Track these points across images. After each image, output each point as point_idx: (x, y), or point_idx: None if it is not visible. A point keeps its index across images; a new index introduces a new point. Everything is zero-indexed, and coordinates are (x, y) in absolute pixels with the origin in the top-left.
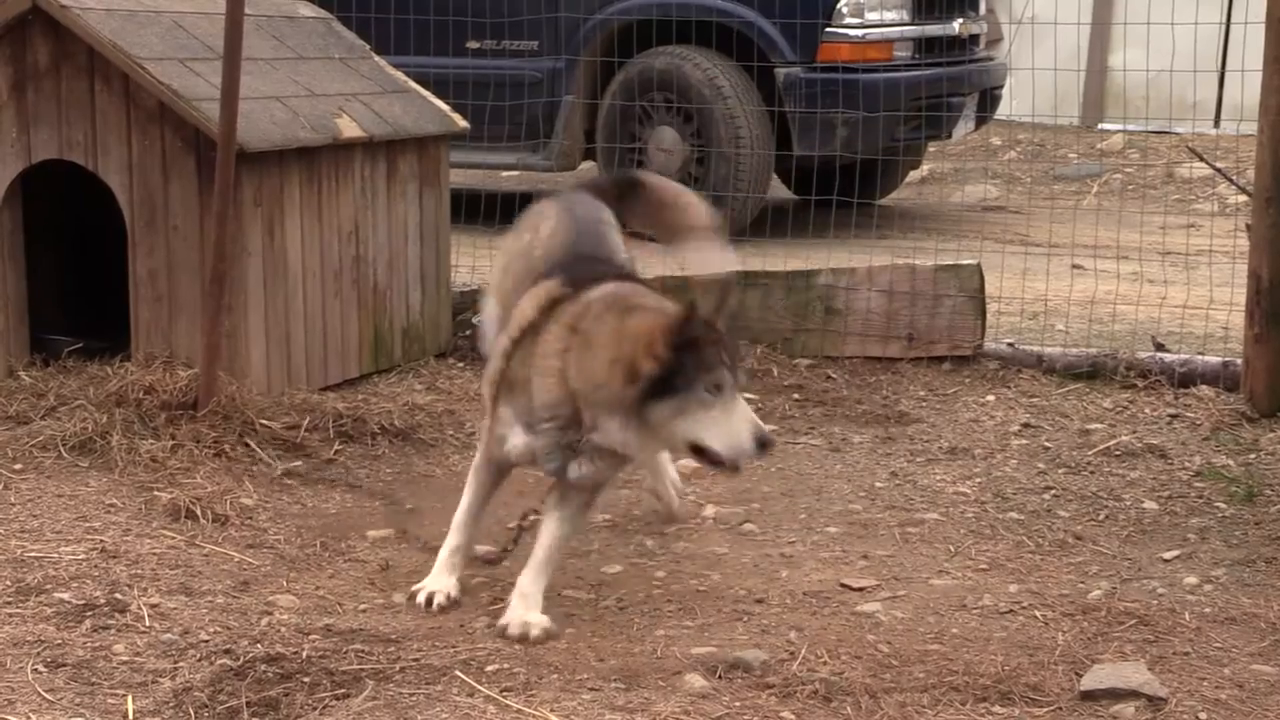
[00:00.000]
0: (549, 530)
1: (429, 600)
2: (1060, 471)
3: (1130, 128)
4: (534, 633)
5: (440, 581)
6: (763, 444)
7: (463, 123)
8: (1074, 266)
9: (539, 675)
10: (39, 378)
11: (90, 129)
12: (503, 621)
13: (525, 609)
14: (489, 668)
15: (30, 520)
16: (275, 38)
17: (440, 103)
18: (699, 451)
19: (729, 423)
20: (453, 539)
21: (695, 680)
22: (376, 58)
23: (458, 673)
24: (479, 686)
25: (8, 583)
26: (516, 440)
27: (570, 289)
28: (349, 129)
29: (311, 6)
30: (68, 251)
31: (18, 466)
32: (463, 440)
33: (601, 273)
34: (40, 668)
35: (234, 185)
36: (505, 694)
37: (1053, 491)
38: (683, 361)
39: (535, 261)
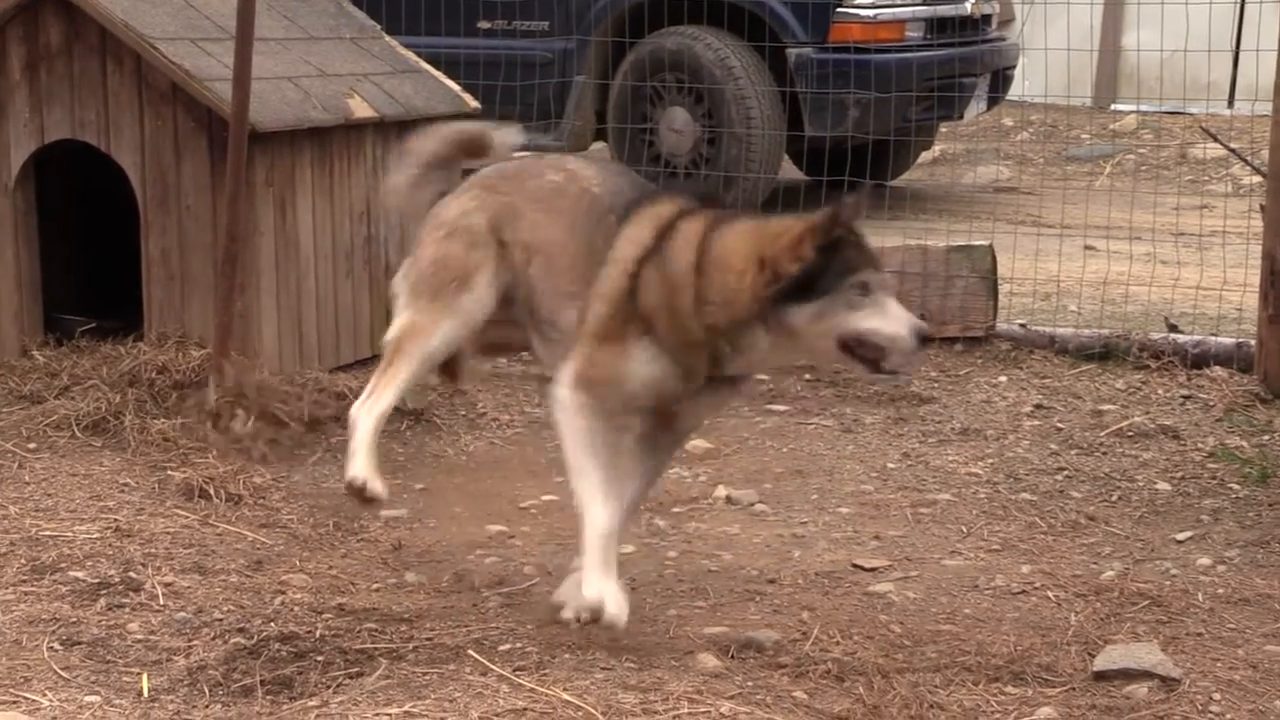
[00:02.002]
0: (635, 487)
1: None
2: (1073, 452)
3: (1143, 108)
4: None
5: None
6: (920, 336)
7: (474, 103)
8: (1086, 247)
9: (552, 655)
10: (52, 357)
11: (102, 109)
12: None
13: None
14: (502, 647)
15: (44, 499)
16: (287, 18)
17: (451, 83)
18: (850, 350)
19: (881, 318)
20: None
21: (708, 660)
22: (388, 38)
23: (471, 652)
24: (492, 666)
25: (23, 561)
26: (648, 371)
27: (692, 206)
28: (360, 109)
29: None
30: (81, 232)
31: (32, 446)
32: (474, 420)
33: (709, 196)
34: (56, 646)
35: (246, 165)
36: (518, 673)
37: (1065, 472)
38: (827, 263)
39: (597, 202)
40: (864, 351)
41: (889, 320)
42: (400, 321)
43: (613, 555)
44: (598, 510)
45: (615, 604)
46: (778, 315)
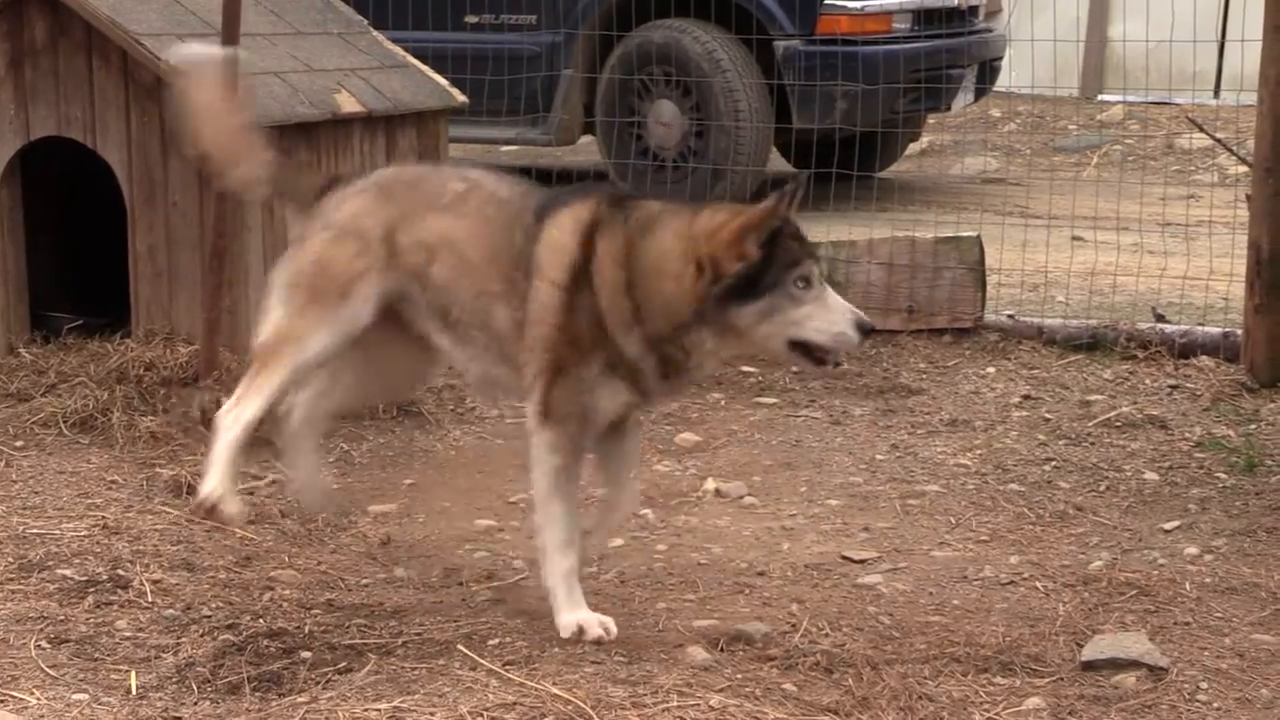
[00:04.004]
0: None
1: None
2: (1061, 443)
3: (1130, 99)
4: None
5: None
6: (864, 329)
7: (462, 97)
8: (1074, 238)
9: (541, 649)
10: (39, 355)
11: (89, 105)
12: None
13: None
14: (491, 641)
15: (32, 497)
16: (273, 13)
17: (439, 78)
18: (799, 349)
19: (826, 315)
20: (564, 563)
21: (697, 653)
22: (375, 33)
23: (460, 647)
24: (481, 660)
25: (10, 559)
26: (609, 396)
27: (609, 205)
28: (348, 104)
29: None
30: (67, 228)
31: (19, 444)
32: (463, 415)
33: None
34: (43, 644)
35: None
36: (507, 668)
37: (1053, 463)
38: (768, 257)
39: (506, 204)
40: (813, 350)
41: (835, 319)
42: (274, 323)
43: (577, 589)
44: (558, 556)
45: (593, 628)
46: (723, 315)
